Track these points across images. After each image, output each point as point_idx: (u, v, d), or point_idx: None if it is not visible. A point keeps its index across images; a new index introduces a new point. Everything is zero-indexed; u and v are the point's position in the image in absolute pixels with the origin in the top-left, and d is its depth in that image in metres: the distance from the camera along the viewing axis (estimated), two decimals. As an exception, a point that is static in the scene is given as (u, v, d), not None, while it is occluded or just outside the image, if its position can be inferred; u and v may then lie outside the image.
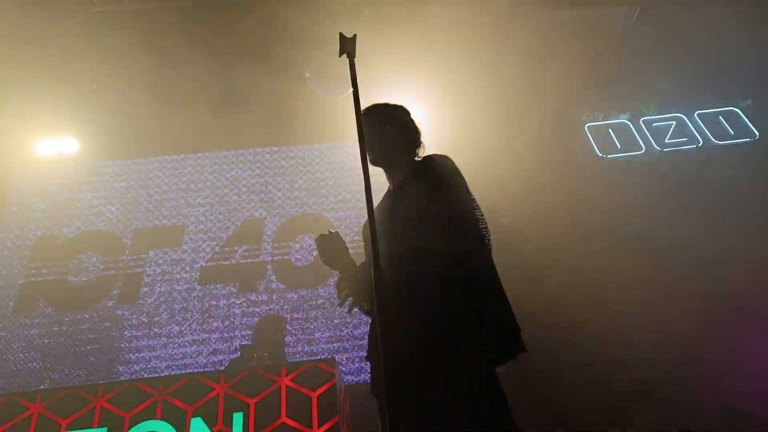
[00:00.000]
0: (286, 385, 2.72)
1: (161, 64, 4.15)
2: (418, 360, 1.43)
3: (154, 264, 4.51)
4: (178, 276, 4.42)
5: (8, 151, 4.84)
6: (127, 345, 4.11)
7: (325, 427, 2.59)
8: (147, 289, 4.38)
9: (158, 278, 4.42)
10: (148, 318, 4.23)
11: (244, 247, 4.55)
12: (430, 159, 1.76)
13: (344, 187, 4.82)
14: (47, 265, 4.53)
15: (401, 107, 1.93)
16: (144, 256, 4.57)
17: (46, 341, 4.16)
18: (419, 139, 1.89)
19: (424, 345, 1.46)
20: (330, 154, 5.02)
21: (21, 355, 4.10)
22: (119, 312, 4.28)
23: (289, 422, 2.60)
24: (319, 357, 3.95)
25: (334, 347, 4.03)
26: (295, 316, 4.18)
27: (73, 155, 4.95)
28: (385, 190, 1.90)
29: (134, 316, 4.26)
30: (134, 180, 4.99)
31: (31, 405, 2.77)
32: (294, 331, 4.09)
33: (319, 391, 2.70)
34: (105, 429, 2.65)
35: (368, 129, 1.65)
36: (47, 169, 4.96)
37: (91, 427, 2.67)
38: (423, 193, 1.65)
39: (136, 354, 4.07)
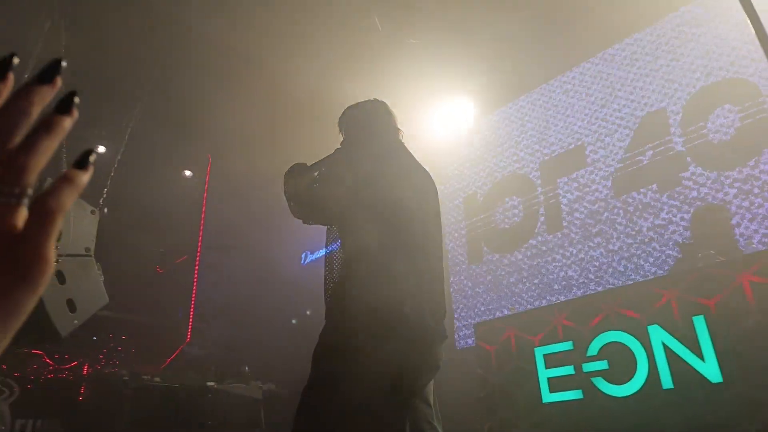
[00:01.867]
0: (749, 280, 2.36)
1: None
2: None
3: (566, 191, 4.65)
4: (593, 196, 4.43)
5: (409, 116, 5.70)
6: (563, 273, 4.40)
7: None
8: (567, 216, 4.57)
9: (575, 202, 4.54)
10: (575, 242, 4.42)
11: (651, 145, 4.17)
12: None
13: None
14: (480, 219, 5.30)
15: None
16: (555, 186, 4.77)
17: (496, 281, 4.88)
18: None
19: None
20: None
21: (484, 296, 4.95)
22: (547, 246, 4.63)
23: None
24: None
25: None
26: (735, 201, 3.57)
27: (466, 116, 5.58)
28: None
29: (562, 244, 4.52)
30: (521, 120, 5.26)
31: (506, 327, 3.31)
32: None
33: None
34: (570, 343, 2.94)
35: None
36: (446, 133, 5.77)
37: (558, 341, 3.00)
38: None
39: (574, 279, 4.31)
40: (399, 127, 2.00)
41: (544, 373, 2.98)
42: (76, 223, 3.08)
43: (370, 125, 1.95)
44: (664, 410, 2.42)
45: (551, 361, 2.99)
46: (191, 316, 6.43)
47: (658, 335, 2.54)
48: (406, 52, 4.74)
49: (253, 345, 5.90)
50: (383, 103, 2.04)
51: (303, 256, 6.62)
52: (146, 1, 4.07)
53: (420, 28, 4.54)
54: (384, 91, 5.10)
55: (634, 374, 2.58)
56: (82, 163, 0.35)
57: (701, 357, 2.37)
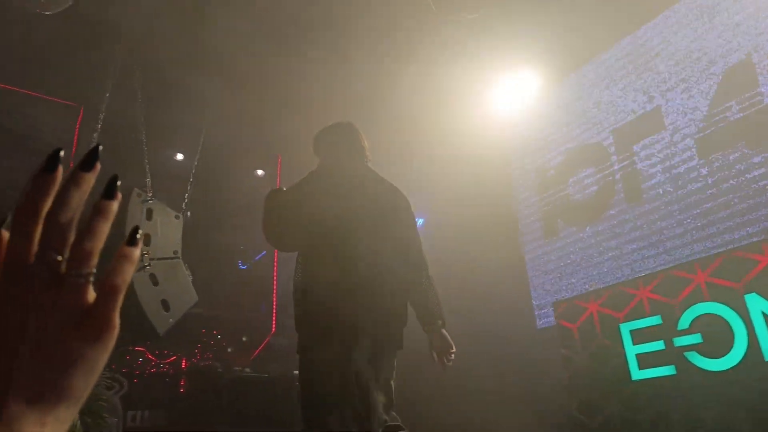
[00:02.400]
0: None
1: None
2: None
3: (644, 157, 4.40)
4: (674, 160, 4.16)
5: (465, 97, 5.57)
6: (645, 243, 4.17)
7: None
8: (648, 182, 4.32)
9: (655, 168, 4.29)
10: (657, 210, 4.17)
11: (735, 100, 3.84)
12: None
13: None
14: (554, 192, 5.13)
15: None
16: (629, 152, 4.53)
17: (573, 256, 4.71)
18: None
19: None
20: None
21: (562, 273, 4.79)
22: (626, 217, 4.40)
23: None
24: None
25: None
26: None
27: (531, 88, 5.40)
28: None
29: (642, 213, 4.28)
30: (588, 88, 5.01)
31: (588, 305, 3.20)
32: None
33: None
34: (658, 317, 2.80)
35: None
36: (512, 108, 5.60)
37: (645, 316, 2.87)
38: None
39: (658, 249, 4.08)
40: (364, 146, 2.37)
41: (632, 350, 2.87)
42: (163, 229, 3.30)
43: (332, 153, 2.34)
44: (766, 383, 2.26)
45: (639, 336, 2.86)
46: (274, 308, 6.71)
47: (757, 304, 2.36)
48: (463, 30, 4.64)
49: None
50: (347, 126, 2.40)
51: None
52: (212, 12, 4.24)
53: (474, 3, 4.43)
54: (445, 73, 5.05)
55: (731, 347, 2.42)
56: (132, 241, 0.40)
57: (809, 325, 2.19)
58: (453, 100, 5.31)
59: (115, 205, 0.39)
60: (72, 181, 0.38)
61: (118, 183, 0.39)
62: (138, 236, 0.40)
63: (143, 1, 4.02)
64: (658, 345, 2.75)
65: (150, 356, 5.71)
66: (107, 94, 3.99)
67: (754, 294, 2.38)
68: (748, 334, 2.37)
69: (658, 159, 4.27)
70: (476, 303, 4.78)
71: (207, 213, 5.70)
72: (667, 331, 2.72)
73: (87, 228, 0.38)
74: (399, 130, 5.33)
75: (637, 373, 2.79)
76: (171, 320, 3.03)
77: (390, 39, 4.71)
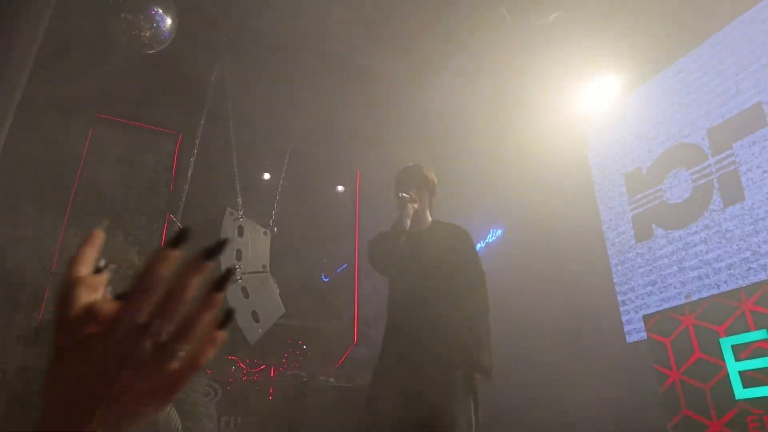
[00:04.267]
0: None
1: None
2: None
3: (746, 155, 4.09)
4: (779, 158, 3.83)
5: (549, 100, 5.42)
6: (747, 251, 3.85)
7: None
8: (749, 183, 4.01)
9: (758, 167, 3.97)
10: (761, 213, 3.84)
11: None
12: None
13: None
14: (645, 195, 4.87)
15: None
16: (729, 151, 4.22)
17: (667, 261, 4.43)
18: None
19: None
20: None
21: (653, 281, 4.52)
22: (726, 220, 4.09)
23: None
24: None
25: None
26: None
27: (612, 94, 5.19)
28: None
29: (744, 217, 3.96)
30: (676, 88, 4.74)
31: (683, 317, 3.02)
32: None
33: None
34: (764, 330, 2.58)
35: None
36: (597, 112, 5.39)
37: (748, 330, 2.65)
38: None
39: (763, 257, 3.75)
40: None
41: (734, 366, 2.66)
42: (253, 245, 3.51)
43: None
44: None
45: (742, 352, 2.66)
46: (356, 319, 6.86)
47: None
48: (539, 37, 4.57)
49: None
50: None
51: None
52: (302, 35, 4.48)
53: (548, 10, 4.35)
54: (524, 83, 4.99)
55: None
56: (224, 324, 0.43)
57: None
58: (530, 108, 5.23)
59: (221, 298, 0.43)
60: (195, 268, 0.42)
61: (231, 277, 0.44)
62: (229, 322, 0.44)
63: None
64: (765, 362, 2.54)
65: (241, 365, 6.02)
66: (202, 121, 4.32)
67: None
68: None
69: (763, 159, 3.95)
70: (561, 315, 4.63)
71: (292, 228, 5.96)
72: (774, 346, 2.51)
73: (193, 315, 0.42)
74: (477, 142, 5.31)
75: (741, 392, 2.59)
76: (261, 330, 3.21)
77: (466, 51, 4.73)
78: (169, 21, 3.57)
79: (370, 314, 6.91)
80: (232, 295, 3.23)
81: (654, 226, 4.69)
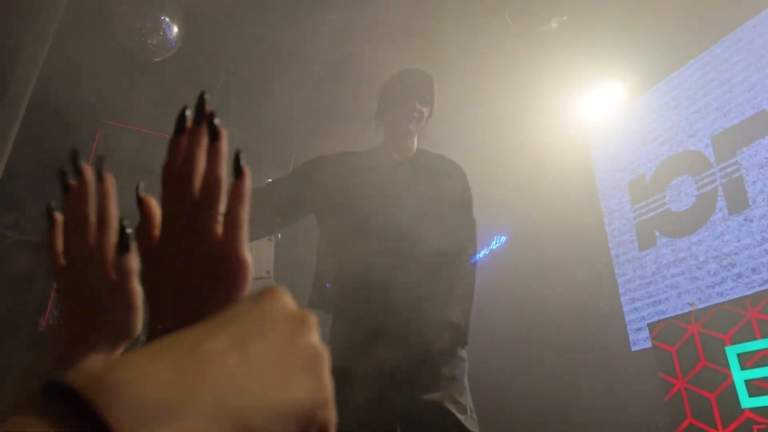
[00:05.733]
0: None
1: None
2: None
3: (748, 163, 4.08)
4: (783, 165, 3.83)
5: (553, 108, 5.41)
6: (752, 258, 3.84)
7: None
8: (754, 191, 4.00)
9: (762, 175, 3.97)
10: (762, 221, 3.83)
11: None
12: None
13: None
14: (649, 203, 4.87)
15: None
16: (733, 159, 4.22)
17: (672, 269, 4.42)
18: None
19: None
20: None
21: (658, 289, 4.51)
22: (730, 228, 4.08)
23: None
24: None
25: None
26: None
27: (619, 99, 5.20)
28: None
29: (749, 225, 3.95)
30: (679, 95, 4.74)
31: (688, 326, 3.01)
32: None
33: None
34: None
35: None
36: (599, 118, 5.40)
37: (754, 339, 2.65)
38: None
39: (757, 266, 3.74)
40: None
41: (740, 375, 2.65)
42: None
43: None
44: None
45: (748, 360, 2.65)
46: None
47: None
48: (542, 43, 4.59)
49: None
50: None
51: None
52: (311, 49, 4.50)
53: (550, 15, 4.37)
54: (528, 89, 5.00)
55: None
56: (238, 172, 0.44)
57: None
58: (534, 114, 5.24)
59: (222, 148, 0.45)
60: (196, 142, 0.44)
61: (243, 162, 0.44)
62: (243, 164, 0.44)
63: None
64: (771, 370, 2.53)
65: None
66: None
67: None
68: None
69: (766, 165, 3.94)
70: (565, 323, 4.62)
71: (296, 234, 5.97)
72: (781, 356, 2.50)
73: (211, 176, 0.43)
74: (481, 148, 5.32)
75: (746, 401, 2.58)
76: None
77: (467, 57, 4.75)
78: (175, 29, 3.60)
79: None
80: (236, 301, 3.24)
81: (657, 233, 4.68)
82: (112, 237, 0.51)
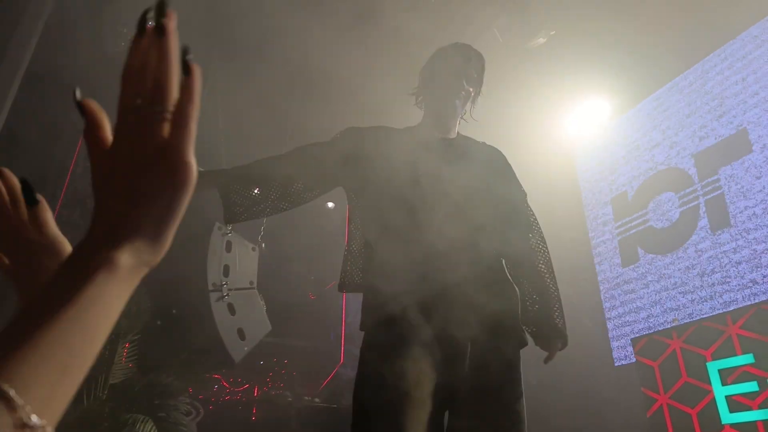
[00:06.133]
0: None
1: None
2: None
3: (731, 182, 4.15)
4: (762, 185, 3.89)
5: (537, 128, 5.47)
6: (733, 275, 3.89)
7: None
8: (734, 209, 4.06)
9: (742, 193, 4.03)
10: (746, 238, 3.89)
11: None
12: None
13: None
14: (632, 219, 4.92)
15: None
16: (715, 176, 4.28)
17: (655, 285, 4.46)
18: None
19: None
20: None
21: (641, 305, 4.54)
22: (712, 245, 4.13)
23: None
24: None
25: None
26: None
27: (603, 115, 5.27)
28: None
29: (730, 242, 4.00)
30: (664, 112, 4.82)
31: (671, 341, 3.02)
32: None
33: None
34: (751, 355, 2.59)
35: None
36: (585, 134, 5.46)
37: (735, 355, 2.66)
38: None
39: (748, 281, 3.78)
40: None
41: (721, 391, 2.66)
42: (240, 260, 3.48)
43: None
44: None
45: (729, 376, 2.66)
46: (342, 338, 6.79)
47: None
48: (529, 57, 4.64)
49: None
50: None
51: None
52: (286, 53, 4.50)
53: (538, 30, 4.42)
54: (514, 104, 5.04)
55: (838, 391, 2.20)
56: (186, 70, 0.43)
57: None
58: (521, 130, 5.28)
59: (168, 43, 0.43)
60: (151, 42, 0.43)
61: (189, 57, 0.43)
62: (189, 61, 0.43)
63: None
64: (752, 386, 2.54)
65: (225, 384, 5.91)
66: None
67: None
68: None
69: (748, 184, 4.01)
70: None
71: (280, 245, 5.92)
72: (761, 370, 2.51)
73: (157, 73, 0.42)
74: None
75: (727, 417, 2.58)
76: (246, 348, 3.16)
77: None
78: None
79: (357, 334, 6.84)
80: (218, 311, 3.18)
81: (640, 250, 4.72)
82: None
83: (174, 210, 0.42)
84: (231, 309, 3.18)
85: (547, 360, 1.59)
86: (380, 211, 1.53)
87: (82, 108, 0.44)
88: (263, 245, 4.26)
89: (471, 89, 1.70)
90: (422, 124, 1.75)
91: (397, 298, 1.38)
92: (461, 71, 1.67)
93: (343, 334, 6.81)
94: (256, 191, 1.64)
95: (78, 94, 0.45)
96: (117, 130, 0.43)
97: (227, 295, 3.16)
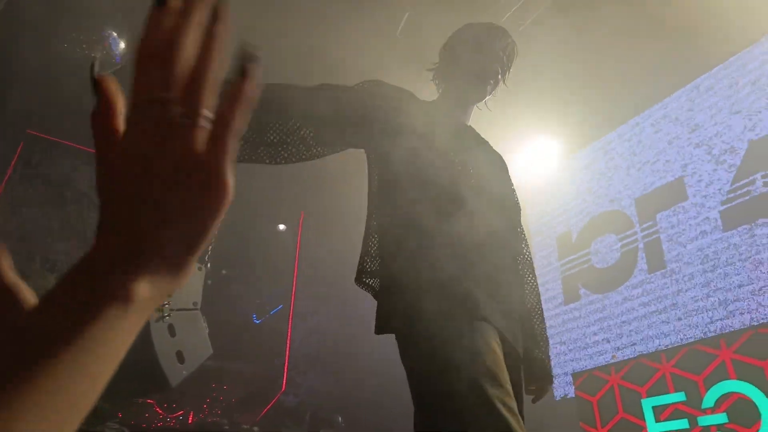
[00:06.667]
0: None
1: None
2: None
3: (667, 227, 4.38)
4: (698, 231, 4.13)
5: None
6: (668, 315, 4.07)
7: None
8: (671, 253, 4.27)
9: (679, 239, 4.25)
10: (680, 281, 4.10)
11: (761, 173, 3.84)
12: None
13: None
14: (574, 258, 5.09)
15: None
16: (652, 222, 4.51)
17: (595, 323, 4.61)
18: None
19: None
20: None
21: (582, 342, 4.68)
22: (649, 286, 4.33)
23: None
24: None
25: None
26: None
27: (550, 154, 5.48)
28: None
29: (666, 284, 4.20)
30: (610, 156, 5.07)
31: (609, 377, 3.10)
32: None
33: None
34: (682, 393, 2.70)
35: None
36: (534, 173, 5.66)
37: (668, 392, 2.77)
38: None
39: (682, 322, 3.97)
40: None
41: (654, 427, 2.75)
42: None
43: None
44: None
45: (662, 413, 2.75)
46: (286, 365, 6.62)
47: (785, 385, 2.28)
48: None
49: (347, 396, 5.94)
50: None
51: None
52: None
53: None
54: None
55: (759, 429, 2.31)
56: (243, 70, 0.34)
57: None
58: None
59: (225, 32, 0.34)
60: (188, 18, 0.33)
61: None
62: (254, 65, 0.34)
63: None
64: (682, 423, 2.63)
65: (158, 410, 5.62)
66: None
67: (782, 374, 2.30)
68: (778, 417, 2.27)
69: (682, 229, 4.24)
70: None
71: (227, 265, 5.77)
72: (691, 408, 2.62)
73: (201, 65, 0.33)
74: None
75: (660, 453, 2.66)
76: (185, 372, 3.02)
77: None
78: (122, 44, 3.49)
79: (301, 361, 6.70)
80: (157, 332, 3.04)
81: (582, 288, 4.88)
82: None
83: (205, 234, 0.35)
84: (171, 330, 3.05)
85: (536, 400, 1.54)
86: (424, 189, 1.29)
87: (96, 85, 0.36)
88: (208, 265, 4.14)
89: (500, 78, 1.55)
90: (441, 102, 1.56)
91: (463, 282, 1.20)
92: (499, 57, 1.51)
93: (287, 361, 6.64)
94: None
95: (96, 66, 0.37)
96: (132, 122, 0.34)
97: (168, 315, 3.03)
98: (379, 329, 1.25)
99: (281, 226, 7.07)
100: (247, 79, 0.34)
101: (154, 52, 0.33)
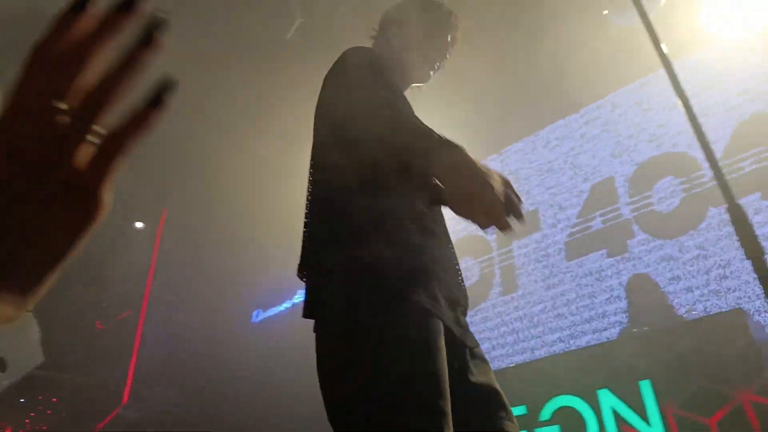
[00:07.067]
0: (692, 345, 2.46)
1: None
2: None
3: (521, 254, 4.79)
4: (547, 261, 4.58)
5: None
6: (515, 335, 4.46)
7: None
8: (521, 278, 4.68)
9: (529, 265, 4.68)
10: (529, 305, 4.51)
11: (599, 212, 4.39)
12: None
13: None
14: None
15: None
16: (510, 247, 4.91)
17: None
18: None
19: None
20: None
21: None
22: (501, 308, 4.70)
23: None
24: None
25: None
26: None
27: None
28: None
29: (516, 306, 4.60)
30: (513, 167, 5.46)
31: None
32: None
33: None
34: (524, 407, 2.94)
35: None
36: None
37: (513, 405, 3.00)
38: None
39: (527, 341, 4.37)
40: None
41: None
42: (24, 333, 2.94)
43: None
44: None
45: None
46: (130, 375, 6.07)
47: (608, 400, 2.58)
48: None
49: (199, 408, 5.59)
50: None
51: (254, 314, 6.44)
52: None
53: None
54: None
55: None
56: (156, 102, 0.32)
57: (647, 421, 2.42)
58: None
59: (150, 55, 0.32)
60: (109, 27, 0.30)
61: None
62: (167, 96, 0.32)
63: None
64: (522, 436, 2.86)
65: (-33, 424, 4.83)
66: None
67: (606, 389, 2.61)
68: (599, 429, 2.57)
69: (534, 257, 4.67)
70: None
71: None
72: (530, 421, 2.85)
73: (109, 78, 0.31)
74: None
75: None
76: (6, 382, 2.63)
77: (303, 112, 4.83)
78: None
79: (148, 371, 6.18)
80: (-28, 334, 2.60)
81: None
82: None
83: (67, 258, 0.32)
84: (-7, 333, 2.64)
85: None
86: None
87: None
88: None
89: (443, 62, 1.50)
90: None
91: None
92: (451, 47, 1.47)
93: (131, 372, 6.09)
94: None
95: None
96: (8, 131, 0.30)
97: (-9, 315, 2.61)
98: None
99: (138, 224, 6.52)
100: (157, 109, 0.32)
101: (53, 53, 0.30)
